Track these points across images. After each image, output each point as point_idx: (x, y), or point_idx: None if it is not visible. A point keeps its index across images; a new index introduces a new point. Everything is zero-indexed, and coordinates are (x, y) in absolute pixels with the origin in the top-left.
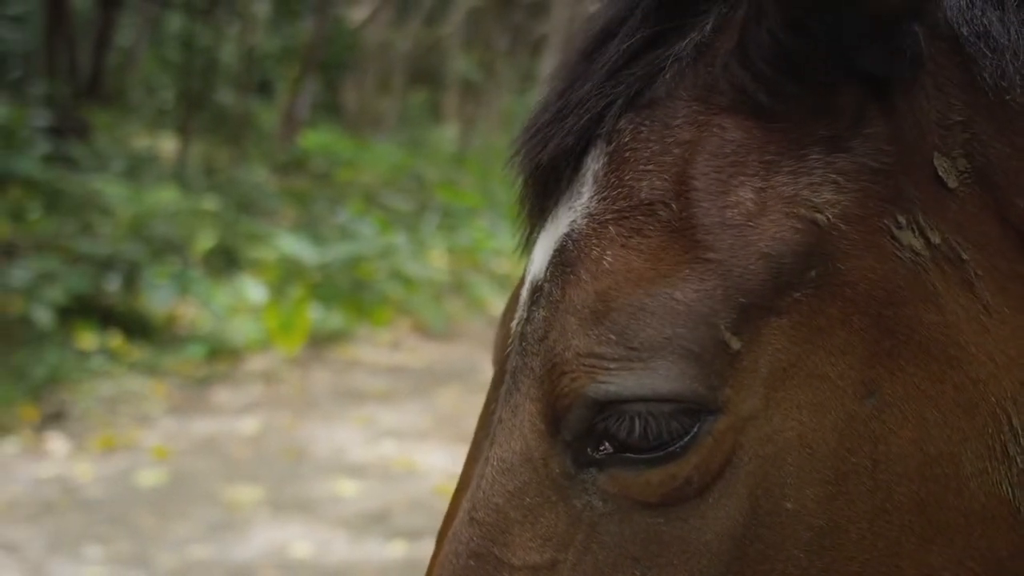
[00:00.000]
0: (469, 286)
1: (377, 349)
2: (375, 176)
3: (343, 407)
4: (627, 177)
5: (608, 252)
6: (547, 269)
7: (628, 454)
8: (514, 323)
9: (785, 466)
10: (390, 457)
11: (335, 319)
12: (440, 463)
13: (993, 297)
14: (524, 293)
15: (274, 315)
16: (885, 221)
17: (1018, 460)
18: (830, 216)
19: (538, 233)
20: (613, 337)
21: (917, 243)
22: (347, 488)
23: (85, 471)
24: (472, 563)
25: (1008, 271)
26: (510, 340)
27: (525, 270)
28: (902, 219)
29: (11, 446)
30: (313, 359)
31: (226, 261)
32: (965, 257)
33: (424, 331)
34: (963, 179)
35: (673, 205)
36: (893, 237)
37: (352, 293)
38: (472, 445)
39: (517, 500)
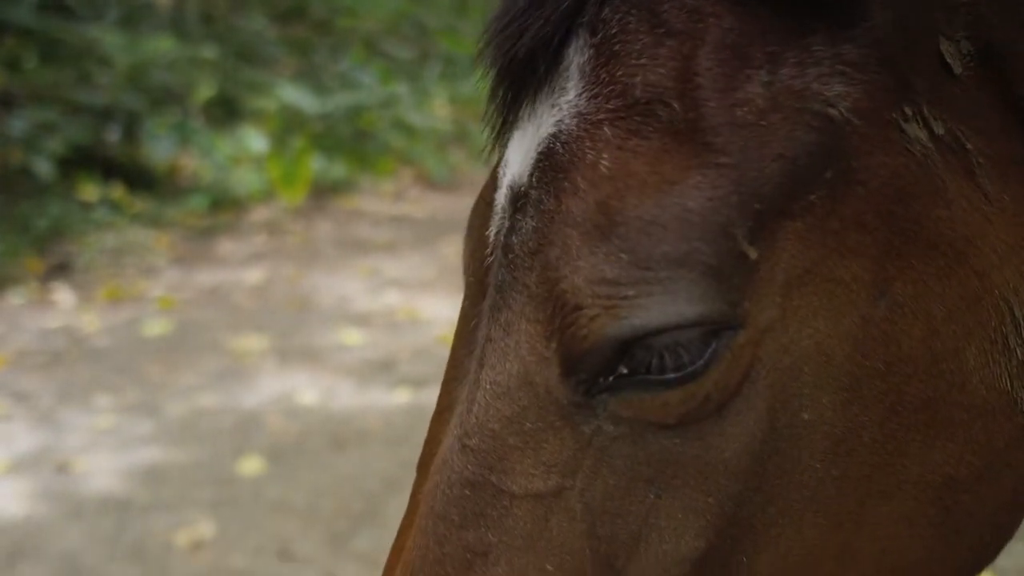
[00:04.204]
0: (472, 136)
1: (380, 199)
2: (376, 23)
3: (347, 257)
4: (619, 73)
5: (605, 156)
6: (532, 174)
7: (644, 376)
8: (492, 231)
9: (802, 376)
10: (394, 306)
11: (337, 169)
12: (443, 313)
13: (993, 185)
14: (501, 199)
15: (276, 165)
16: (893, 114)
17: (1018, 352)
18: (843, 110)
19: (510, 131)
20: (624, 257)
21: (923, 135)
22: (352, 337)
23: (92, 321)
24: (468, 492)
25: (1008, 156)
26: (488, 250)
27: (497, 173)
28: (908, 111)
29: (17, 297)
30: (316, 210)
31: (226, 111)
32: (968, 146)
33: (427, 181)
34: (967, 63)
35: (675, 104)
36: (901, 131)
37: (354, 143)
38: (450, 365)
39: (516, 425)
